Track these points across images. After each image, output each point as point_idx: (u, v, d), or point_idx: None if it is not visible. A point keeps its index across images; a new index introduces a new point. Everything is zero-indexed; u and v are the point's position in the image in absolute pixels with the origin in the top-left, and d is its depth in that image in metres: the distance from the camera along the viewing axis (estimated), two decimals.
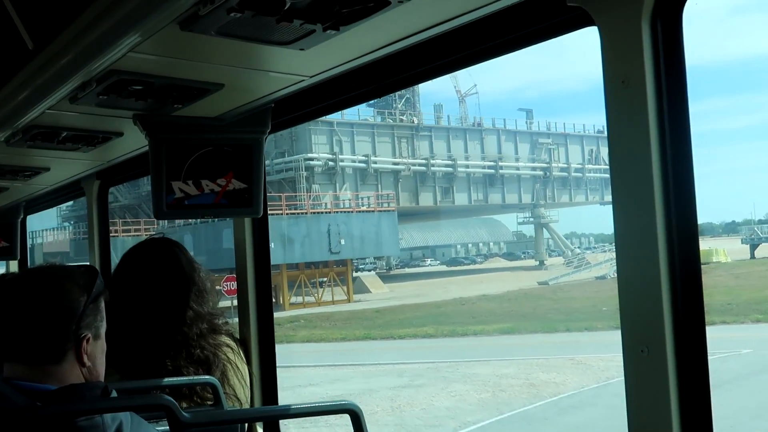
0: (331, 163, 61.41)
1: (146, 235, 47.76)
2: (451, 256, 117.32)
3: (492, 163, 73.42)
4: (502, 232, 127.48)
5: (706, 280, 2.04)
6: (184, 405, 3.19)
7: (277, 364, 3.66)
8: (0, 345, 2.29)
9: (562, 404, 20.15)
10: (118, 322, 3.36)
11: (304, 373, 25.16)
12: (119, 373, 3.20)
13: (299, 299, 55.52)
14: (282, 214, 52.74)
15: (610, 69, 2.01)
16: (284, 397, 3.67)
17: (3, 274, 5.16)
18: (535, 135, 79.27)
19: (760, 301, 37.15)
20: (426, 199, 69.44)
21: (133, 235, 51.51)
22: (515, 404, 20.33)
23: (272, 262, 3.79)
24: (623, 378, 2.06)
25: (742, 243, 70.50)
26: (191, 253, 3.59)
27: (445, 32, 2.26)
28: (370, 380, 24.19)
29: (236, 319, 3.75)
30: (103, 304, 2.40)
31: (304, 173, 59.75)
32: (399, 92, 67.53)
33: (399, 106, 75.38)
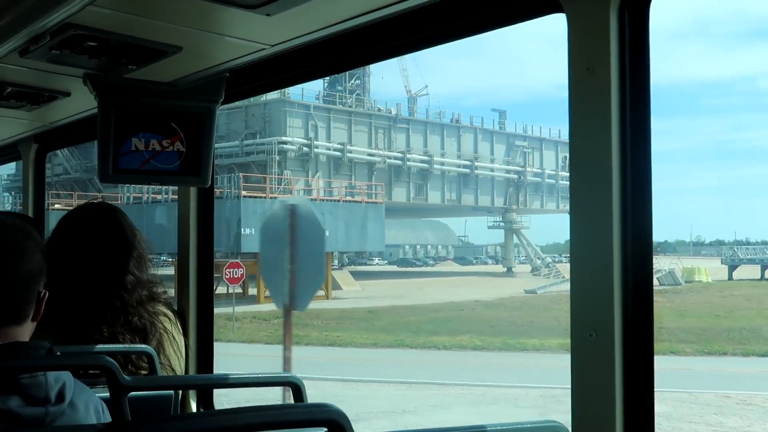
0: (305, 148, 57.94)
1: None
2: (399, 257, 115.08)
3: (468, 163, 70.26)
4: (448, 235, 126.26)
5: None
6: None
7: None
8: None
9: None
10: (54, 285, 3.27)
11: (379, 392, 21.07)
12: (53, 337, 3.10)
13: None
14: (265, 197, 49.15)
15: (575, 56, 2.02)
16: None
17: None
18: (512, 137, 76.27)
19: None
20: (399, 195, 65.54)
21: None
22: None
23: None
24: None
25: (722, 263, 69.78)
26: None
27: (415, 8, 2.24)
28: (480, 408, 19.36)
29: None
30: None
31: (276, 157, 56.04)
32: (351, 71, 64.32)
33: (349, 85, 72.55)
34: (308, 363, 22.51)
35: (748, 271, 65.92)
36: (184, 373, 3.47)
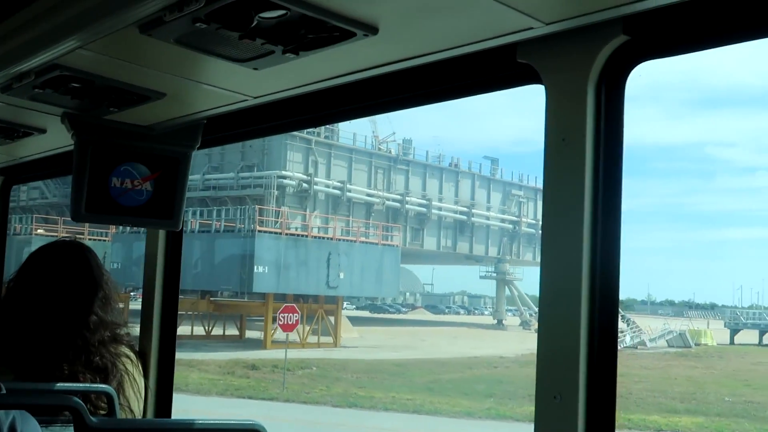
0: (305, 184, 55.14)
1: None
2: (367, 302, 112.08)
3: (465, 209, 67.91)
4: (414, 282, 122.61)
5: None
6: None
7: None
8: None
9: None
10: (18, 321, 3.22)
11: None
12: (14, 373, 3.05)
13: (281, 336, 45.90)
14: (281, 233, 46.34)
15: (552, 125, 2.07)
16: None
17: None
18: (508, 185, 74.42)
19: None
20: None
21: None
22: None
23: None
24: None
25: (725, 326, 68.50)
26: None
27: (398, 70, 2.28)
28: None
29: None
30: None
31: (275, 192, 53.06)
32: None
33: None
34: None
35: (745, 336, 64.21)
36: (142, 415, 3.42)
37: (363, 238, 52.18)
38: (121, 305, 3.67)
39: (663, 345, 54.63)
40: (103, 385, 3.11)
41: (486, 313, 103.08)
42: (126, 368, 3.34)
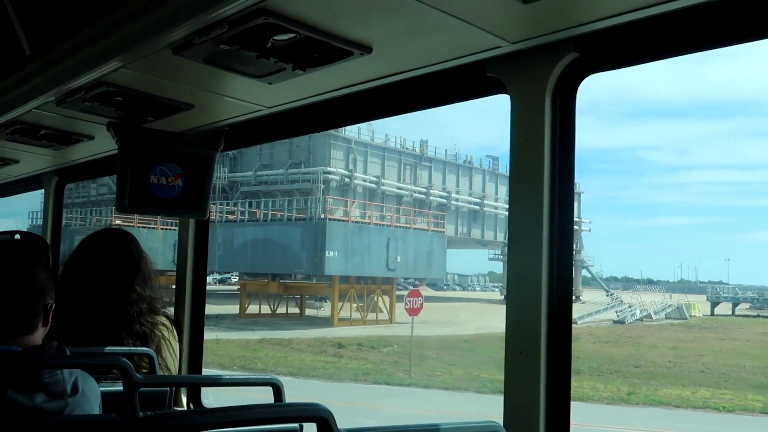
0: (346, 179, 53.44)
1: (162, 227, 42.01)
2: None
3: (478, 200, 66.31)
4: None
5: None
6: None
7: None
8: None
9: None
10: (73, 298, 3.22)
11: None
12: (69, 340, 3.06)
13: (345, 314, 43.34)
14: (348, 221, 44.28)
15: (517, 128, 2.09)
16: None
17: None
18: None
19: None
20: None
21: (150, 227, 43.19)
22: None
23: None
24: None
25: (707, 300, 65.05)
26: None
27: (389, 83, 2.29)
28: None
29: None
30: None
31: (321, 185, 51.14)
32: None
33: None
34: None
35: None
36: (178, 373, 3.43)
37: (415, 226, 50.82)
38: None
39: (662, 317, 52.14)
40: (145, 348, 3.12)
41: (478, 288, 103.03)
42: (162, 334, 3.35)
